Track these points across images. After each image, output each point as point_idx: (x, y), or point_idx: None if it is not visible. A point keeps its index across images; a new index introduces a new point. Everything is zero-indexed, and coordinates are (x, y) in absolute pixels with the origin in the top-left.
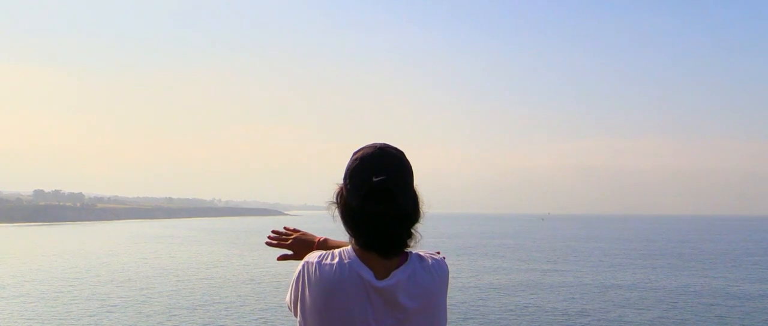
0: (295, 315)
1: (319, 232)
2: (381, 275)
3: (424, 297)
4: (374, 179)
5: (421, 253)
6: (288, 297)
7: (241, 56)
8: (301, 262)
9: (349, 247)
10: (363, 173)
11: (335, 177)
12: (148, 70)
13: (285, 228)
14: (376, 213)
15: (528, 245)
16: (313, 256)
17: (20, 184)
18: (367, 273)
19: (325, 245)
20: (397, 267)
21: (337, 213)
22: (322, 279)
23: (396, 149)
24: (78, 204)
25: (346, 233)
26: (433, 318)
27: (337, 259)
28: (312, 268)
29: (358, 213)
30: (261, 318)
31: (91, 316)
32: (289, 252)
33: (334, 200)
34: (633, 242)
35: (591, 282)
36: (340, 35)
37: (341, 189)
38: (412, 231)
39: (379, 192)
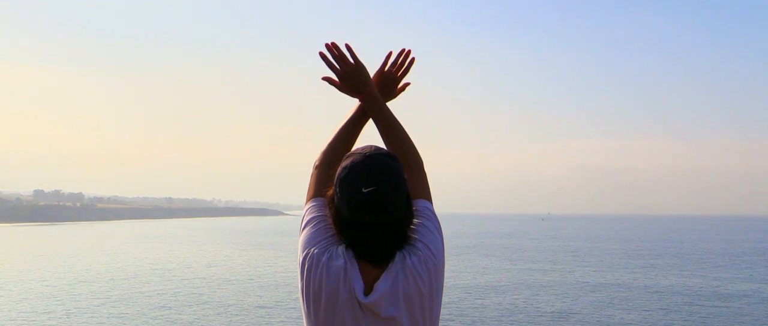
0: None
1: None
2: (369, 286)
3: (407, 303)
4: (364, 190)
5: (407, 247)
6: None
7: (241, 56)
8: (309, 253)
9: (351, 250)
10: (352, 183)
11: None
12: (148, 70)
13: (347, 45)
14: (366, 224)
15: (527, 245)
16: (322, 254)
17: (20, 184)
18: (358, 286)
19: (371, 101)
20: (380, 276)
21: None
22: (326, 284)
23: (387, 154)
24: (78, 204)
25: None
26: (423, 318)
27: (340, 260)
28: (320, 270)
29: (349, 223)
30: (259, 316)
31: (90, 316)
32: (335, 79)
33: (327, 203)
34: (632, 242)
35: (590, 282)
36: (341, 35)
37: (333, 194)
38: (407, 232)
39: (368, 203)
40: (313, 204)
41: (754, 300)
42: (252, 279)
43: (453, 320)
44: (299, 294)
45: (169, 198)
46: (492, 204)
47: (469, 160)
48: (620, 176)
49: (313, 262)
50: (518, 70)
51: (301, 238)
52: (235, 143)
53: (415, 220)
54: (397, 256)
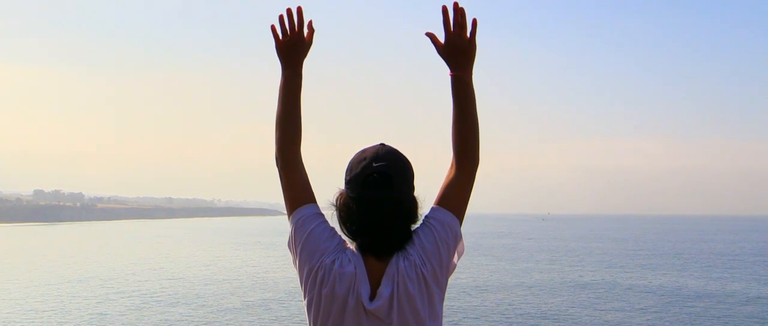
0: (303, 295)
1: None
2: (373, 291)
3: (399, 306)
4: (374, 165)
5: (402, 252)
6: (302, 292)
7: (241, 56)
8: (320, 263)
9: (356, 249)
10: (364, 161)
11: (335, 177)
12: (148, 69)
13: (299, 8)
14: (374, 201)
15: (527, 245)
16: (333, 263)
17: (20, 184)
18: (365, 291)
19: (465, 84)
20: (382, 279)
21: (334, 213)
22: (338, 292)
23: (396, 149)
24: (78, 204)
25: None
26: (416, 321)
27: (350, 267)
28: (333, 278)
29: (357, 203)
30: (256, 315)
31: (88, 316)
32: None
33: (334, 202)
34: (632, 242)
35: (590, 282)
36: (341, 34)
37: (342, 193)
38: (411, 228)
39: (379, 175)
40: (307, 211)
41: (754, 301)
42: (250, 279)
43: (452, 321)
44: (306, 305)
45: (169, 198)
46: (492, 204)
47: None
48: (620, 176)
49: (325, 272)
50: (518, 70)
51: (303, 247)
52: (235, 143)
53: (420, 229)
54: (394, 259)
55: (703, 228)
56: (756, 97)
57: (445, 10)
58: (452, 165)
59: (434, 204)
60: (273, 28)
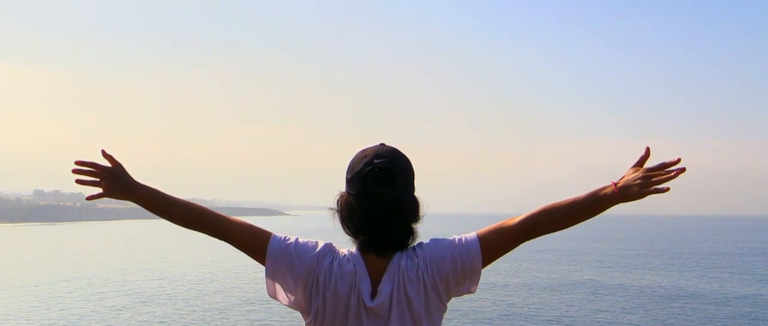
0: (306, 313)
1: (318, 235)
2: (374, 288)
3: (399, 305)
4: (376, 161)
5: (408, 250)
6: (294, 298)
7: (241, 56)
8: (319, 267)
9: (356, 249)
10: (365, 159)
11: (335, 176)
12: (148, 69)
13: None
14: (376, 197)
15: (526, 245)
16: (331, 265)
17: (20, 184)
18: (366, 289)
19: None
20: (383, 276)
21: (336, 216)
22: (341, 292)
23: (397, 148)
24: (78, 204)
25: (346, 234)
26: (412, 320)
27: (350, 266)
28: (334, 279)
29: (358, 200)
30: (251, 313)
31: (87, 316)
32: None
33: (335, 205)
34: (632, 242)
35: (589, 281)
36: (342, 34)
37: (342, 195)
38: (412, 226)
39: (381, 171)
40: (277, 240)
41: (753, 300)
42: (249, 278)
43: (450, 321)
44: (312, 318)
45: None
46: (494, 204)
47: (472, 160)
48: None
49: (326, 274)
50: (519, 69)
51: (296, 263)
52: (236, 143)
53: (440, 238)
54: (396, 256)
55: (703, 228)
56: (756, 96)
57: (678, 162)
58: (519, 221)
59: (477, 232)
60: (90, 197)
